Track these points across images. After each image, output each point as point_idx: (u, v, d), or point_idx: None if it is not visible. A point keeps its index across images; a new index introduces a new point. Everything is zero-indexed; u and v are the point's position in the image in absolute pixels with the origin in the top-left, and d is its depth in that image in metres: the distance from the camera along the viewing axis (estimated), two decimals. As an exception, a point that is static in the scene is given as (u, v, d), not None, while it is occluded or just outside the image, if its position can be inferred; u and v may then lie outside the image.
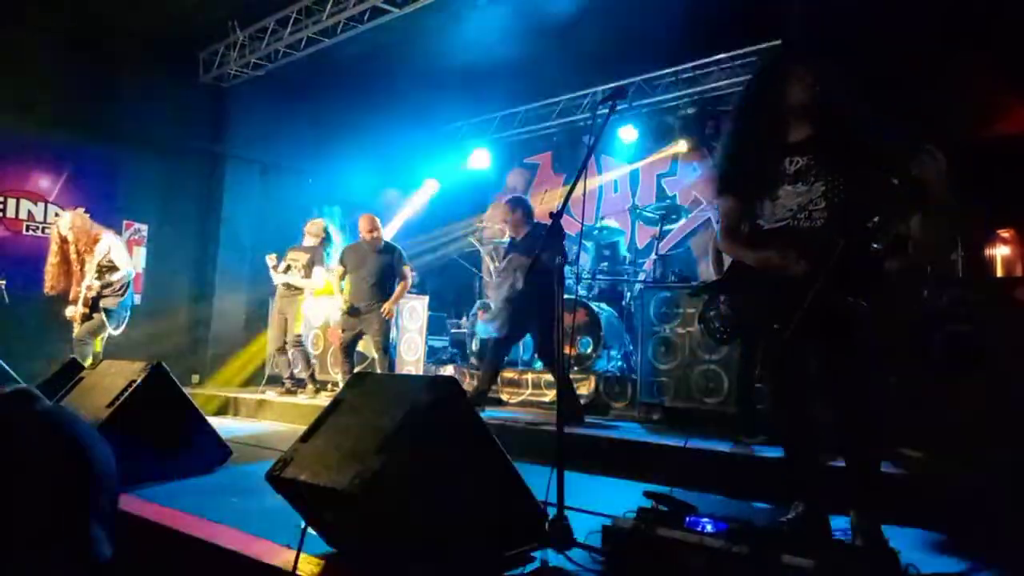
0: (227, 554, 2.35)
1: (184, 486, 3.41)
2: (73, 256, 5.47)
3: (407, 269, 5.98)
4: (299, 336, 6.52)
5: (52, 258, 5.53)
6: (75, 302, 5.46)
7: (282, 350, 6.56)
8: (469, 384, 6.13)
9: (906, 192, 2.36)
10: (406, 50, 7.41)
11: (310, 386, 6.46)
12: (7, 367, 5.04)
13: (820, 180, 2.39)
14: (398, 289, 5.88)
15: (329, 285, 6.60)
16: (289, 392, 6.58)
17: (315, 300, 7.12)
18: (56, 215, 7.15)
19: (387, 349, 5.85)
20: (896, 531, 2.60)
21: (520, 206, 5.41)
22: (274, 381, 7.05)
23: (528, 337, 5.79)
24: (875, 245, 3.62)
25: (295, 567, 2.00)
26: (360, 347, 6.34)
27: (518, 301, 5.18)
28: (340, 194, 8.77)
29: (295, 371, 6.68)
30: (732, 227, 2.58)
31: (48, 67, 7.07)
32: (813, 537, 2.29)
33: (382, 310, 5.76)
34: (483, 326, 6.41)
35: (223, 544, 2.41)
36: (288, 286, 6.47)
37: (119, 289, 5.55)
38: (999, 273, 5.41)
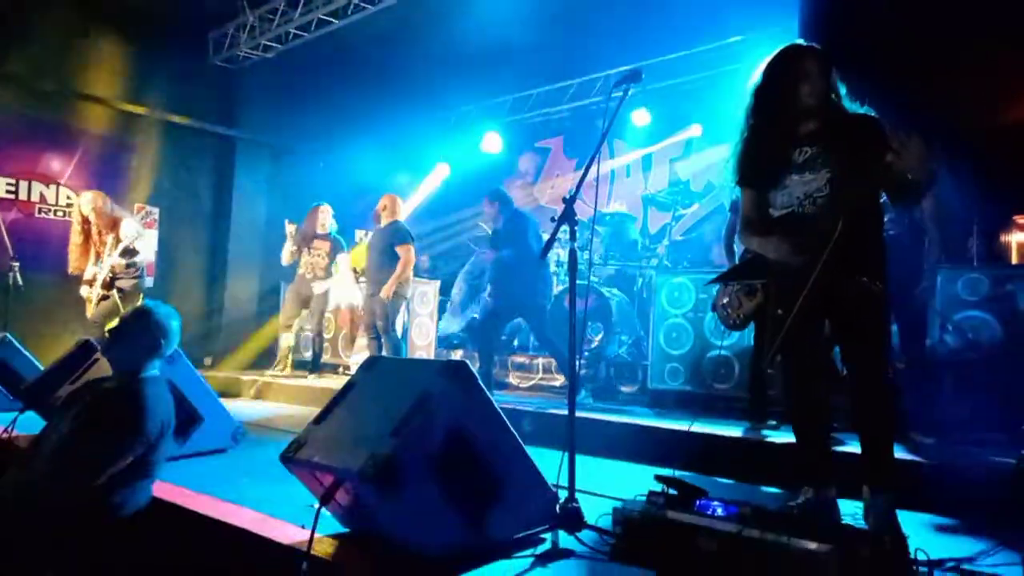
0: (241, 533, 2.39)
1: (198, 466, 3.45)
2: (95, 236, 5.51)
3: (405, 248, 5.73)
4: (322, 324, 6.67)
5: (75, 238, 5.57)
6: (91, 283, 5.50)
7: (290, 328, 6.64)
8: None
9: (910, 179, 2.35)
10: (417, 32, 7.37)
11: (312, 373, 6.64)
12: (23, 347, 5.10)
13: (826, 168, 2.42)
14: (396, 270, 5.67)
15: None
16: (275, 376, 6.64)
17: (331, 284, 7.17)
18: (68, 197, 7.20)
19: (387, 331, 5.76)
20: (905, 515, 2.61)
21: (494, 198, 5.48)
22: (301, 365, 7.09)
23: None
24: (890, 231, 3.60)
25: (309, 547, 2.02)
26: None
27: (504, 287, 5.27)
28: (350, 178, 8.77)
29: (294, 353, 6.79)
30: (748, 218, 2.64)
31: (59, 50, 7.07)
32: (824, 522, 2.29)
33: (381, 293, 5.68)
34: (446, 322, 6.45)
35: (237, 524, 2.44)
36: (312, 272, 6.52)
37: (136, 272, 5.60)
38: (1014, 260, 5.35)
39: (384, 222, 5.93)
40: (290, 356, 6.78)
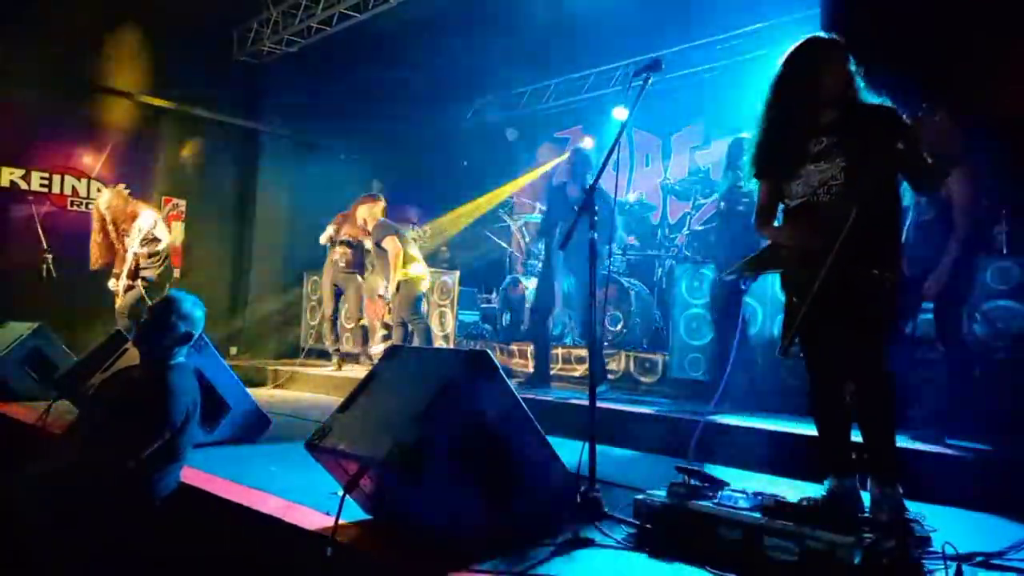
0: (267, 519, 2.43)
1: (226, 454, 3.51)
2: (112, 233, 5.62)
3: (387, 240, 5.91)
4: (361, 313, 6.70)
5: (95, 235, 5.71)
6: (118, 276, 5.63)
7: (333, 322, 6.71)
8: (500, 358, 6.18)
9: (928, 166, 2.35)
10: (436, 25, 7.37)
11: (364, 361, 6.67)
12: (56, 338, 5.23)
13: (842, 156, 2.41)
14: (391, 263, 5.89)
15: None
16: (344, 361, 6.70)
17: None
18: (99, 190, 7.35)
19: (415, 319, 5.93)
20: (933, 509, 2.59)
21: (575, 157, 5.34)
22: (313, 353, 7.17)
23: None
24: (924, 217, 3.53)
25: (334, 533, 2.06)
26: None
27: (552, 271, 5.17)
28: (373, 170, 8.82)
29: (343, 346, 6.82)
30: (764, 209, 2.66)
31: (88, 47, 7.19)
32: (847, 512, 2.28)
33: (390, 289, 5.97)
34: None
35: (263, 510, 2.48)
36: (346, 260, 6.58)
37: (160, 261, 5.69)
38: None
39: (370, 224, 6.21)
40: (339, 349, 6.82)
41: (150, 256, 5.63)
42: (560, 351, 6.29)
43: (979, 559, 2.15)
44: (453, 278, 7.24)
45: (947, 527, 2.39)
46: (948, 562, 1.93)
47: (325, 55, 7.98)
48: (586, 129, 9.37)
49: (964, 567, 1.91)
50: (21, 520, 2.35)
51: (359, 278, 6.66)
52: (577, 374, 6.08)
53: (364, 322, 7.02)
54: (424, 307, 6.26)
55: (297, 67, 8.23)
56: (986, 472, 3.03)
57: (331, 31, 7.36)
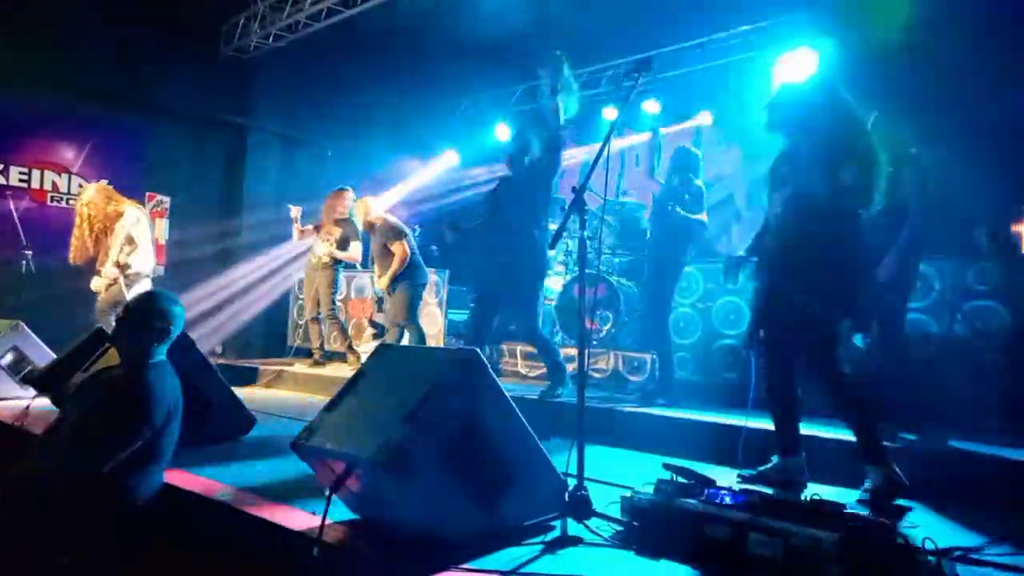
0: (253, 520, 2.41)
1: (210, 453, 3.47)
2: (88, 231, 5.52)
3: (396, 244, 5.84)
4: (333, 308, 6.55)
5: (76, 231, 5.60)
6: (100, 275, 5.54)
7: (316, 320, 6.63)
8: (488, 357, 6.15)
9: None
10: (427, 22, 7.36)
11: (351, 357, 6.46)
12: (35, 336, 5.15)
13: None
14: (393, 265, 5.81)
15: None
16: (317, 364, 6.62)
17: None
18: (80, 186, 7.24)
19: (408, 322, 5.85)
20: (913, 506, 2.63)
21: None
22: (300, 352, 7.11)
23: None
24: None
25: (320, 533, 2.05)
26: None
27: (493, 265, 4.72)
28: (360, 166, 8.78)
29: (326, 344, 6.73)
30: None
31: (71, 39, 7.09)
32: (831, 508, 2.31)
33: (383, 288, 5.88)
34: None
35: (249, 511, 2.46)
36: (319, 257, 6.50)
37: (138, 256, 5.56)
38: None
39: (376, 223, 6.03)
40: (323, 347, 6.73)
41: (129, 255, 5.53)
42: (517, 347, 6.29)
43: (958, 554, 2.18)
44: (443, 277, 7.23)
45: (925, 522, 2.43)
46: (928, 557, 1.96)
47: (313, 50, 7.92)
48: (577, 128, 9.37)
49: (943, 561, 1.93)
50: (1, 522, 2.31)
51: (327, 275, 6.49)
52: (535, 373, 6.06)
53: (342, 319, 6.95)
54: (419, 311, 6.20)
55: (285, 62, 8.17)
56: (960, 468, 3.09)
57: (319, 26, 7.31)
